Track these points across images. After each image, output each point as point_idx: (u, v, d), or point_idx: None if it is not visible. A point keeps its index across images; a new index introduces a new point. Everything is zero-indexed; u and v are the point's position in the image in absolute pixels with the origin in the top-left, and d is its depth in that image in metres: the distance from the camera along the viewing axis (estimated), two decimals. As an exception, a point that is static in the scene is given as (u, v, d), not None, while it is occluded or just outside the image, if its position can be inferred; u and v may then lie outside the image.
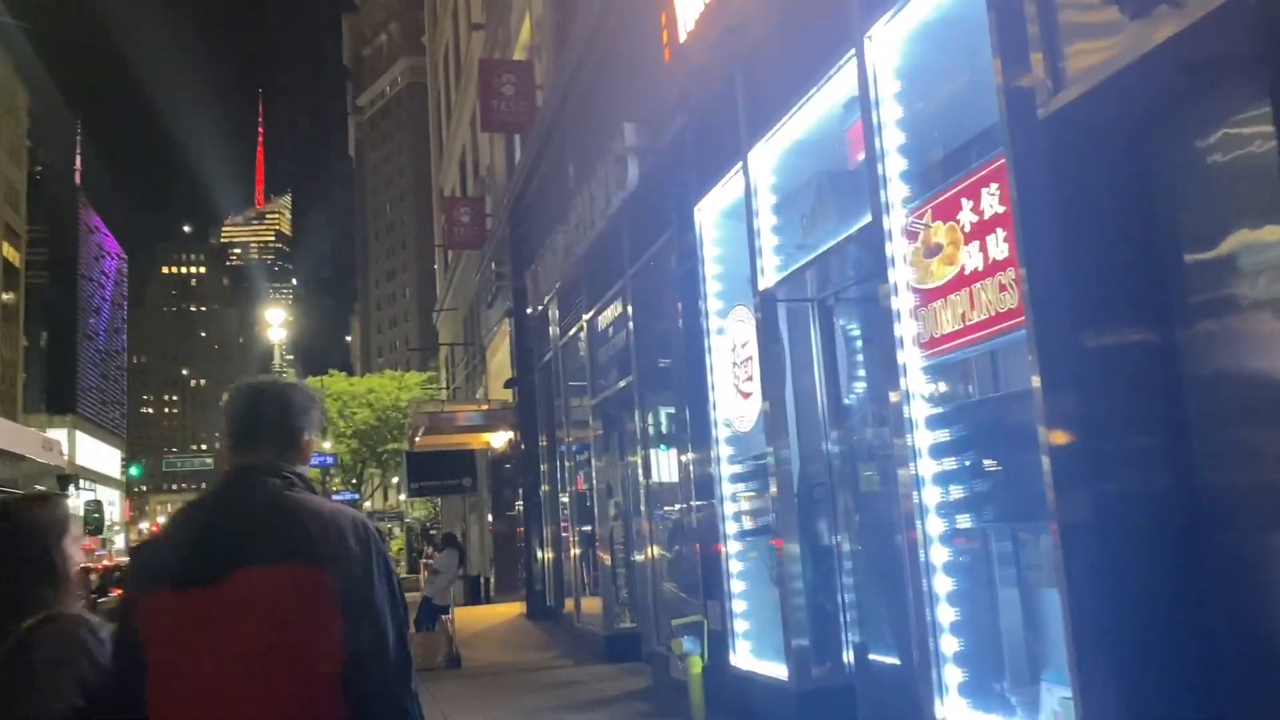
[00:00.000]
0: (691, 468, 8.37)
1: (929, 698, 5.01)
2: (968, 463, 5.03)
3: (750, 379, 7.31)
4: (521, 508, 16.10)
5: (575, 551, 13.38)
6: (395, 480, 58.82)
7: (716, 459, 7.84)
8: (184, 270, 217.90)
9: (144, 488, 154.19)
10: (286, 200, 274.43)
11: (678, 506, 9.39)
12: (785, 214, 7.07)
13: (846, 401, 6.89)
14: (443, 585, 13.56)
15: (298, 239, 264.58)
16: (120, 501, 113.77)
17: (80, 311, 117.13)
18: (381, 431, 51.05)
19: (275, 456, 2.19)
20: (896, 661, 6.58)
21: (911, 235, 5.19)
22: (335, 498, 48.68)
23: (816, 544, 6.89)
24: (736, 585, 7.66)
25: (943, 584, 5.06)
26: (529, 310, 14.74)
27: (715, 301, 7.98)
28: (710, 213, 8.06)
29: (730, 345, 7.63)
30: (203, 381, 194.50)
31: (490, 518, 21.34)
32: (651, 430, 10.02)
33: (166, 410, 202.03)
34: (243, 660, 1.96)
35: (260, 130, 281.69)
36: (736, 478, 7.77)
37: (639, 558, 11.03)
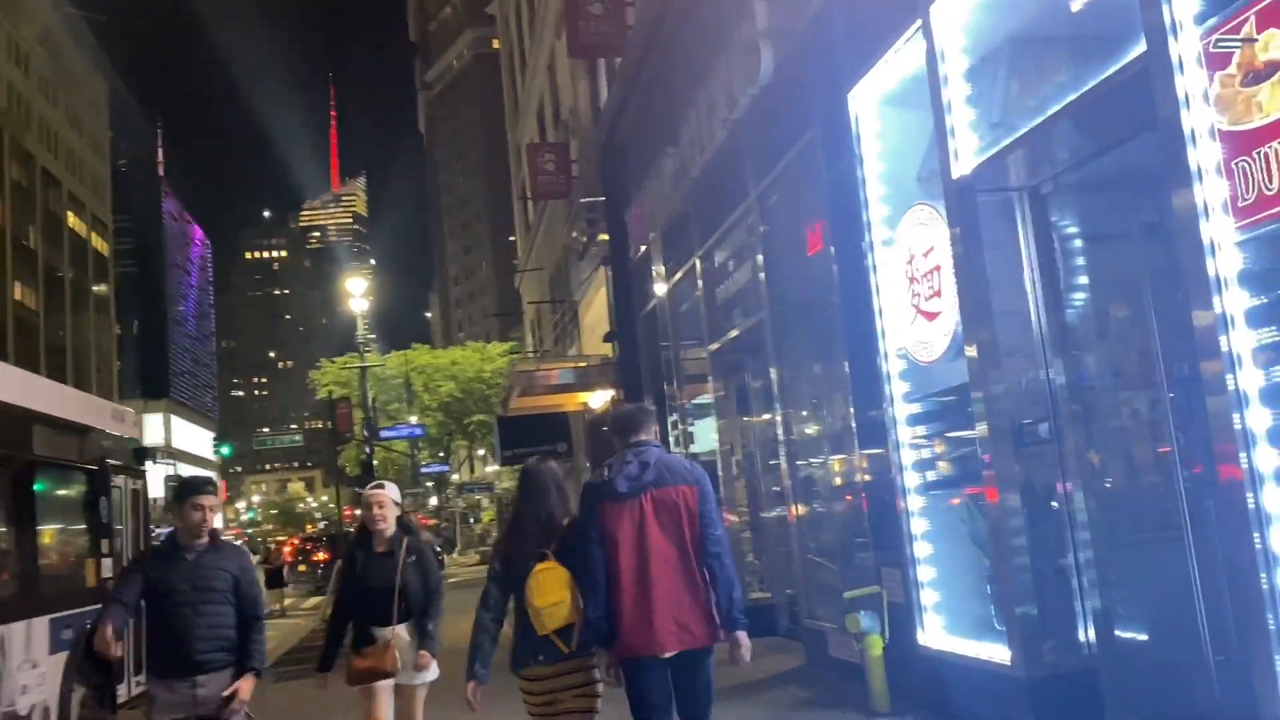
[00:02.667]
0: (853, 411, 7.01)
1: (1271, 691, 3.61)
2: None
3: (937, 295, 5.91)
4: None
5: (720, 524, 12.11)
6: (481, 452, 58.37)
7: (889, 398, 6.46)
8: (266, 255, 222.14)
9: (238, 468, 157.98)
10: (361, 182, 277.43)
11: (834, 458, 8.04)
12: (978, 86, 5.62)
13: (1071, 319, 5.45)
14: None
15: (374, 219, 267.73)
16: (216, 482, 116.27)
17: (169, 298, 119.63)
18: (466, 403, 50.63)
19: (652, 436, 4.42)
20: (1146, 637, 5.21)
21: (1218, 60, 3.74)
22: (424, 469, 48.45)
23: (1039, 494, 5.48)
24: (922, 548, 6.31)
25: (1282, 538, 3.64)
26: (629, 254, 13.42)
27: (880, 207, 6.57)
28: (867, 101, 6.64)
29: (905, 256, 6.22)
30: (290, 363, 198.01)
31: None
32: (789, 372, 8.65)
33: (256, 392, 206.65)
34: (661, 540, 4.12)
35: (332, 113, 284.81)
36: (917, 418, 6.39)
37: (775, 519, 9.72)
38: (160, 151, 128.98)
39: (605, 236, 14.51)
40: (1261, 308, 3.71)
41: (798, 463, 8.60)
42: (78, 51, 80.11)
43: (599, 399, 15.80)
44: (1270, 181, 3.52)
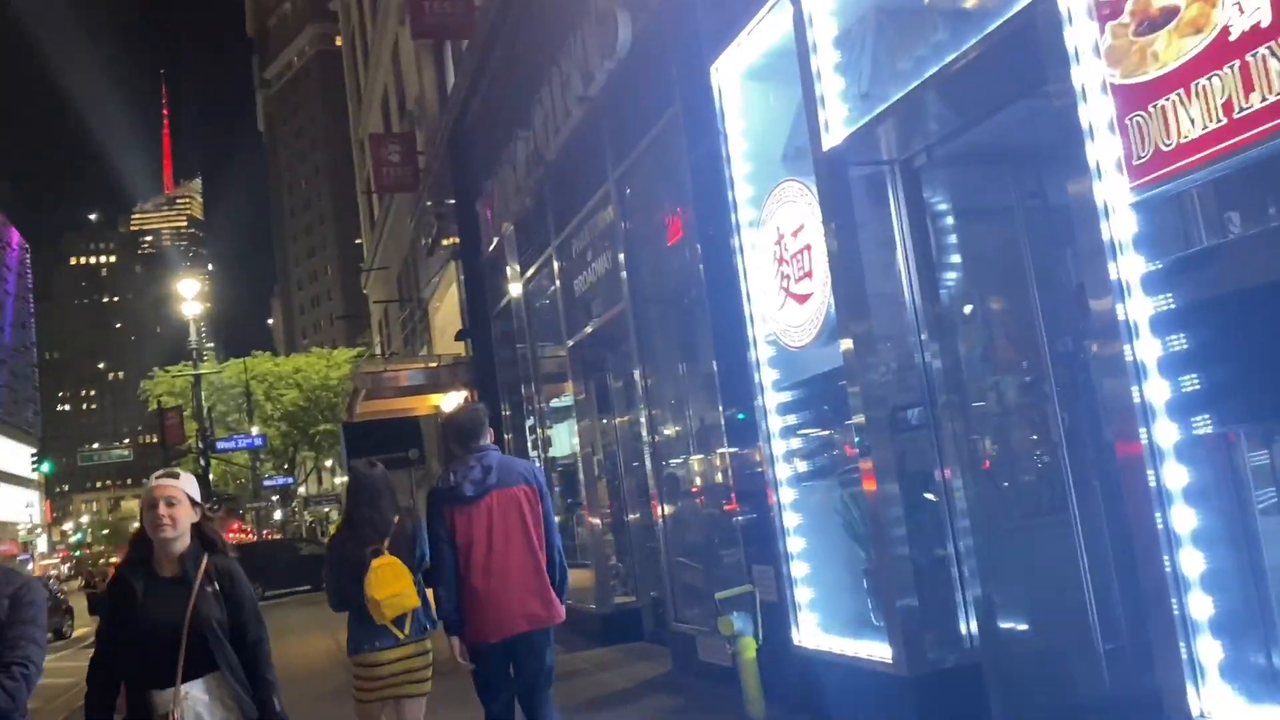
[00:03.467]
0: (721, 402, 6.66)
1: (1178, 685, 3.39)
2: (1206, 340, 3.41)
3: (807, 276, 5.60)
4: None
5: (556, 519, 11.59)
6: (329, 463, 56.22)
7: (759, 387, 6.13)
8: (94, 260, 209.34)
9: (65, 487, 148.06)
10: (197, 183, 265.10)
11: (701, 454, 7.68)
12: (847, 54, 5.34)
13: (945, 299, 5.22)
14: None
15: (211, 222, 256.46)
16: (40, 502, 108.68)
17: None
18: (312, 413, 48.73)
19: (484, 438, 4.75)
20: (1026, 628, 5.03)
21: (1109, 9, 3.50)
22: (267, 482, 46.33)
23: (917, 482, 5.23)
24: (795, 543, 5.99)
25: (1184, 518, 3.43)
26: (481, 248, 12.80)
27: (745, 186, 6.23)
28: (730, 75, 6.30)
29: (773, 236, 5.90)
30: (121, 374, 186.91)
31: (442, 491, 19.41)
32: (653, 365, 8.27)
33: (85, 406, 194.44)
34: (504, 536, 4.52)
35: (164, 111, 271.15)
36: (788, 407, 6.08)
37: (640, 521, 9.33)
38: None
39: (453, 240, 13.85)
40: (1158, 273, 3.48)
41: (663, 460, 8.22)
42: None
43: (452, 401, 15.11)
44: (1168, 136, 3.30)
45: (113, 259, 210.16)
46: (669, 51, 6.76)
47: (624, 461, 9.72)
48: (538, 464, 12.16)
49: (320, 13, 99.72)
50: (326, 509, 63.69)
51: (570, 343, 10.09)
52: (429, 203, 14.91)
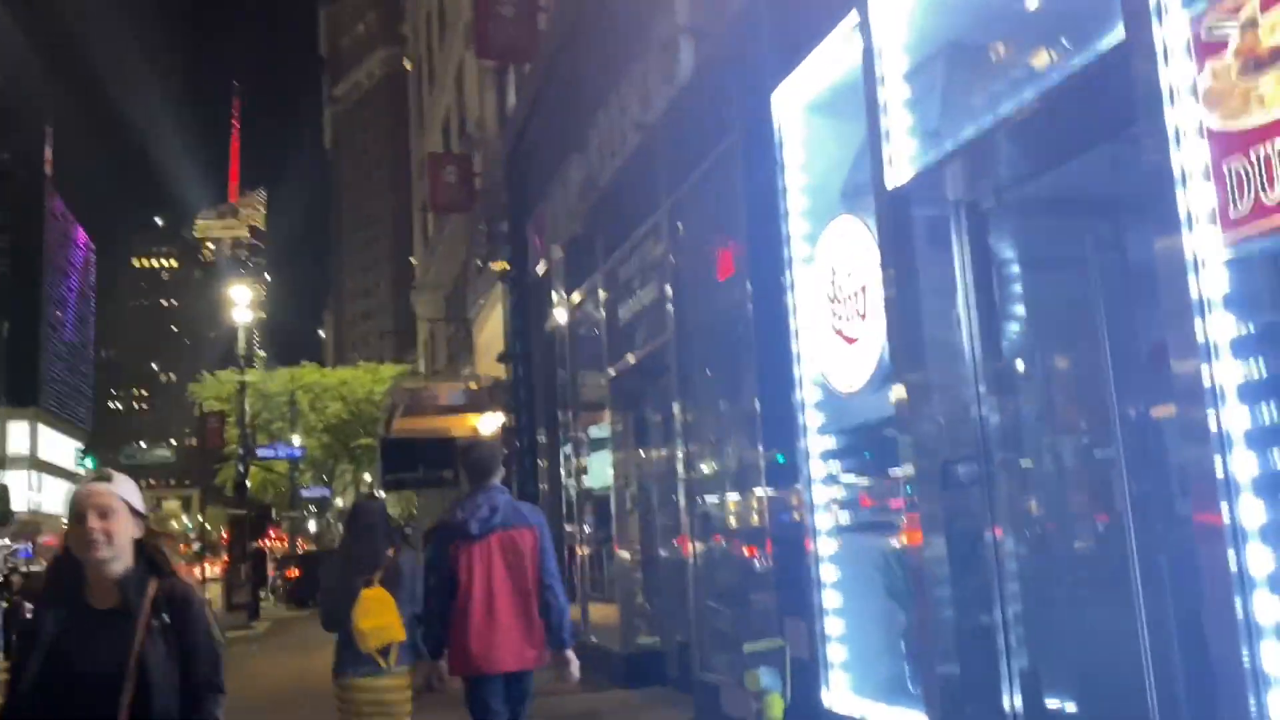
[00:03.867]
0: (762, 443, 6.39)
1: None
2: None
3: (861, 317, 5.34)
4: (515, 501, 14.03)
5: (583, 551, 11.34)
6: (367, 477, 56.46)
7: (802, 429, 5.86)
8: (156, 264, 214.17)
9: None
10: (261, 195, 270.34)
11: (738, 495, 7.40)
12: (917, 89, 5.11)
13: (1008, 351, 4.93)
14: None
15: (272, 233, 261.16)
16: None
17: (45, 302, 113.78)
18: (354, 426, 48.96)
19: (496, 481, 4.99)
20: (1075, 708, 4.67)
21: (1209, 48, 3.24)
22: (304, 493, 46.56)
23: (966, 543, 4.91)
24: (831, 599, 5.69)
25: (1268, 607, 3.10)
26: (530, 271, 12.67)
27: (801, 221, 6.00)
28: (792, 105, 6.09)
29: (827, 274, 5.65)
30: (173, 376, 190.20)
31: (475, 514, 19.21)
32: (693, 400, 8.02)
33: (136, 405, 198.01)
34: (504, 576, 4.74)
35: (235, 122, 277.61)
36: (832, 454, 5.80)
37: (671, 560, 9.04)
38: (48, 149, 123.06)
39: (503, 265, 13.73)
40: (1249, 337, 3.19)
41: (698, 498, 7.94)
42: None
43: (490, 423, 14.96)
44: (1270, 188, 3.01)
45: (174, 263, 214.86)
46: (730, 80, 6.58)
47: (658, 497, 9.45)
48: (572, 493, 11.94)
49: (391, 36, 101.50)
50: (362, 523, 63.71)
51: (612, 372, 9.88)
52: (482, 224, 14.84)
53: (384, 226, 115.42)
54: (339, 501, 58.44)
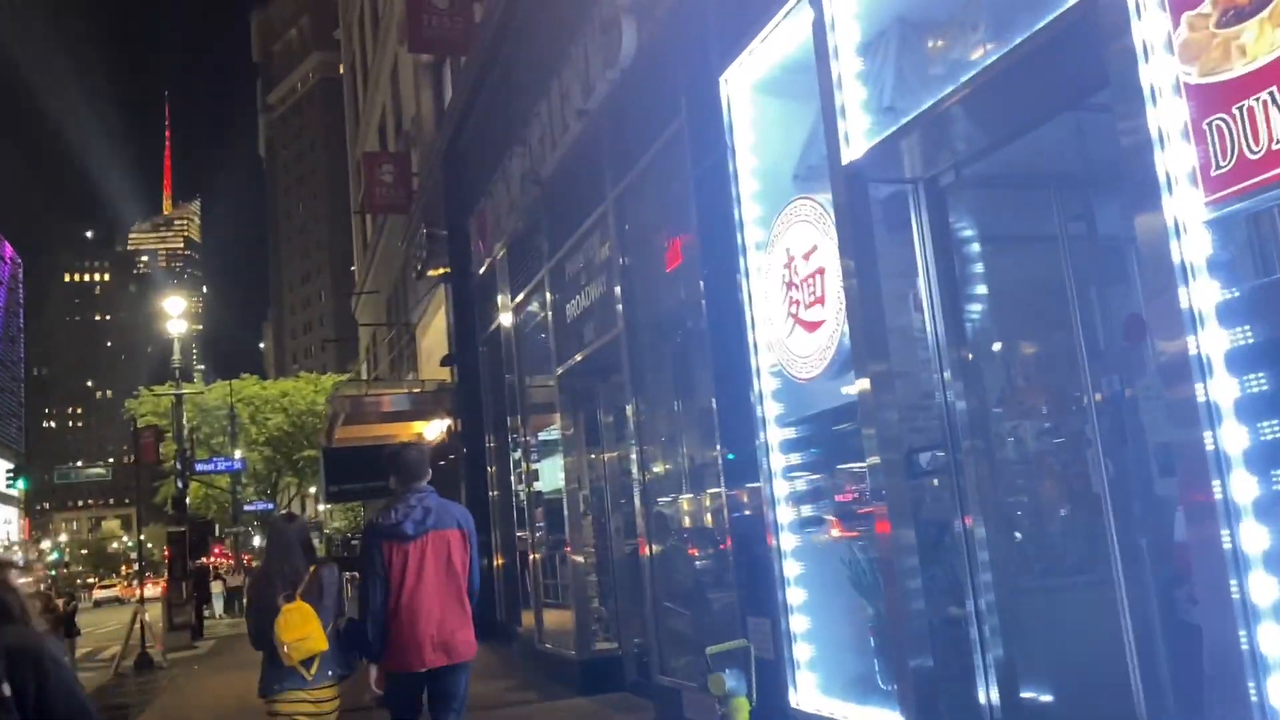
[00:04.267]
0: (719, 437, 6.16)
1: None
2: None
3: (819, 302, 5.13)
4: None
5: (536, 556, 11.04)
6: (313, 490, 55.41)
7: (761, 421, 5.64)
8: (87, 278, 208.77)
9: (46, 505, 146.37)
10: (195, 206, 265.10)
11: (694, 492, 7.17)
12: (870, 62, 4.91)
13: (972, 332, 4.76)
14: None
15: (208, 244, 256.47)
16: (18, 519, 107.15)
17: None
18: (297, 438, 48.08)
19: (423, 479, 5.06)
20: (1052, 698, 4.51)
21: (1184, 0, 3.07)
22: (248, 508, 45.54)
23: (935, 532, 4.73)
24: (795, 595, 5.48)
25: (1263, 587, 2.94)
26: (472, 271, 12.34)
27: (753, 205, 5.79)
28: (740, 86, 5.88)
29: (782, 259, 5.44)
30: (109, 392, 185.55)
31: (423, 522, 18.74)
32: (646, 395, 7.78)
33: (71, 423, 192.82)
34: (435, 574, 4.86)
35: (167, 131, 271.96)
36: (793, 444, 5.59)
37: (626, 562, 8.79)
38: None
39: (443, 270, 13.35)
40: (1235, 301, 3.02)
41: (653, 498, 7.70)
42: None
43: (435, 429, 14.58)
44: (1255, 143, 2.84)
45: (107, 277, 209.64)
46: (675, 61, 6.35)
47: (611, 498, 9.20)
48: (523, 498, 11.65)
49: (325, 40, 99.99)
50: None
51: (559, 371, 9.60)
52: (421, 224, 14.46)
53: (322, 235, 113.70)
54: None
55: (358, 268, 29.09)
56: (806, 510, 5.57)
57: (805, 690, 5.41)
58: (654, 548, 7.59)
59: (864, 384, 4.71)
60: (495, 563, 13.01)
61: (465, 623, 4.96)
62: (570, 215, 8.81)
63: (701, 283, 6.25)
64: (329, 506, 54.07)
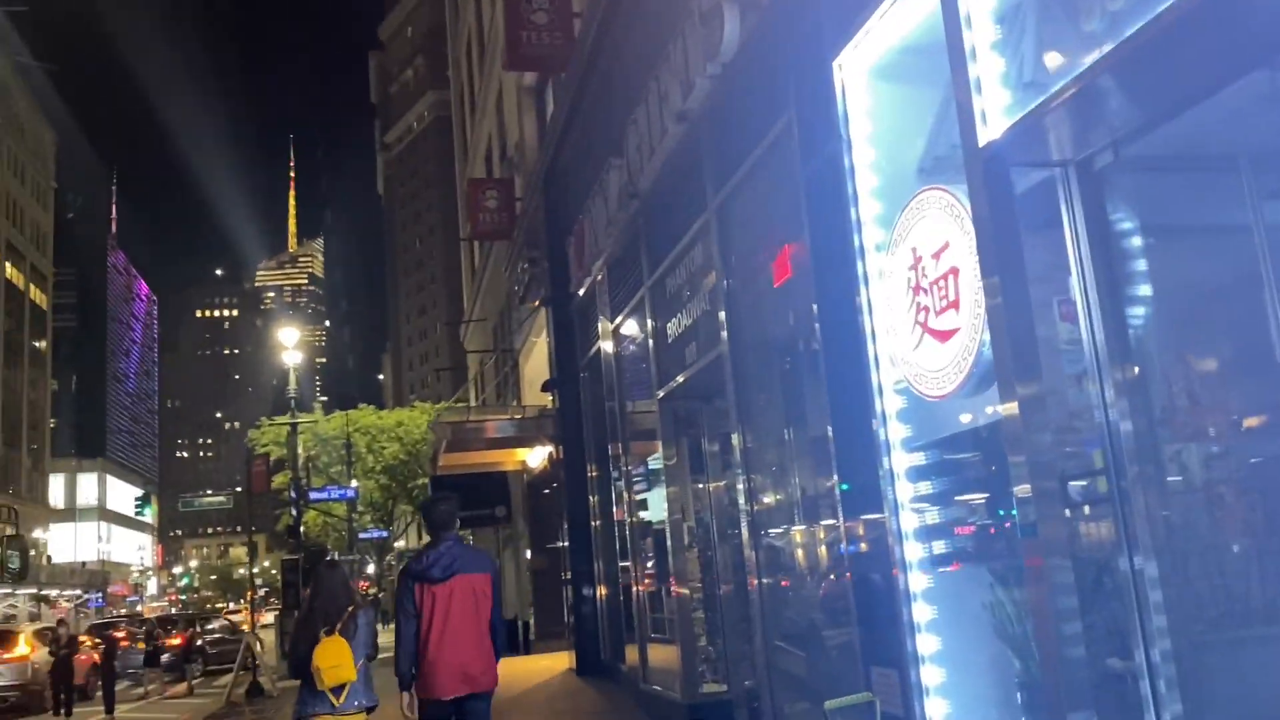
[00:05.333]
0: (835, 464, 5.53)
1: None
2: None
3: (952, 307, 4.48)
4: (567, 538, 13.26)
5: (640, 589, 10.50)
6: (427, 518, 56.00)
7: (885, 445, 5.00)
8: (217, 314, 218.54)
9: (179, 532, 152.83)
10: (319, 243, 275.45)
11: (808, 524, 6.53)
12: (1009, 32, 4.27)
13: (1137, 341, 4.04)
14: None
15: (330, 280, 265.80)
16: (151, 546, 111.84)
17: (109, 354, 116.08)
18: (412, 466, 48.67)
19: (455, 532, 5.85)
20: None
21: None
22: (363, 536, 46.26)
23: (1097, 572, 4.02)
24: (926, 644, 4.79)
25: None
26: (572, 292, 11.95)
27: (872, 202, 5.18)
28: (855, 72, 5.29)
29: (907, 260, 4.81)
30: (236, 424, 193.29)
31: (528, 553, 18.46)
32: (753, 419, 7.18)
33: (201, 454, 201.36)
34: (461, 613, 5.53)
35: (291, 173, 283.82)
36: (922, 472, 4.92)
37: (731, 597, 8.18)
38: (114, 205, 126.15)
39: (539, 300, 12.97)
40: None
41: (763, 530, 7.08)
42: (24, 99, 78.23)
43: (537, 456, 14.21)
44: None
45: (235, 313, 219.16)
46: (782, 49, 5.79)
47: (718, 529, 8.61)
48: (626, 529, 11.14)
49: (439, 80, 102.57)
50: (421, 565, 63.24)
51: (660, 394, 9.08)
52: (523, 249, 14.19)
53: (437, 268, 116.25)
54: (399, 544, 58.15)
55: (466, 296, 29.22)
56: (939, 546, 4.88)
57: (940, 753, 4.71)
58: (764, 583, 6.97)
59: (1009, 400, 4.04)
60: (598, 594, 12.51)
61: (487, 656, 5.68)
62: (670, 229, 8.31)
63: (814, 292, 5.64)
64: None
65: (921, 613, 4.83)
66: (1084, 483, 4.04)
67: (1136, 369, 4.01)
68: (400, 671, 5.58)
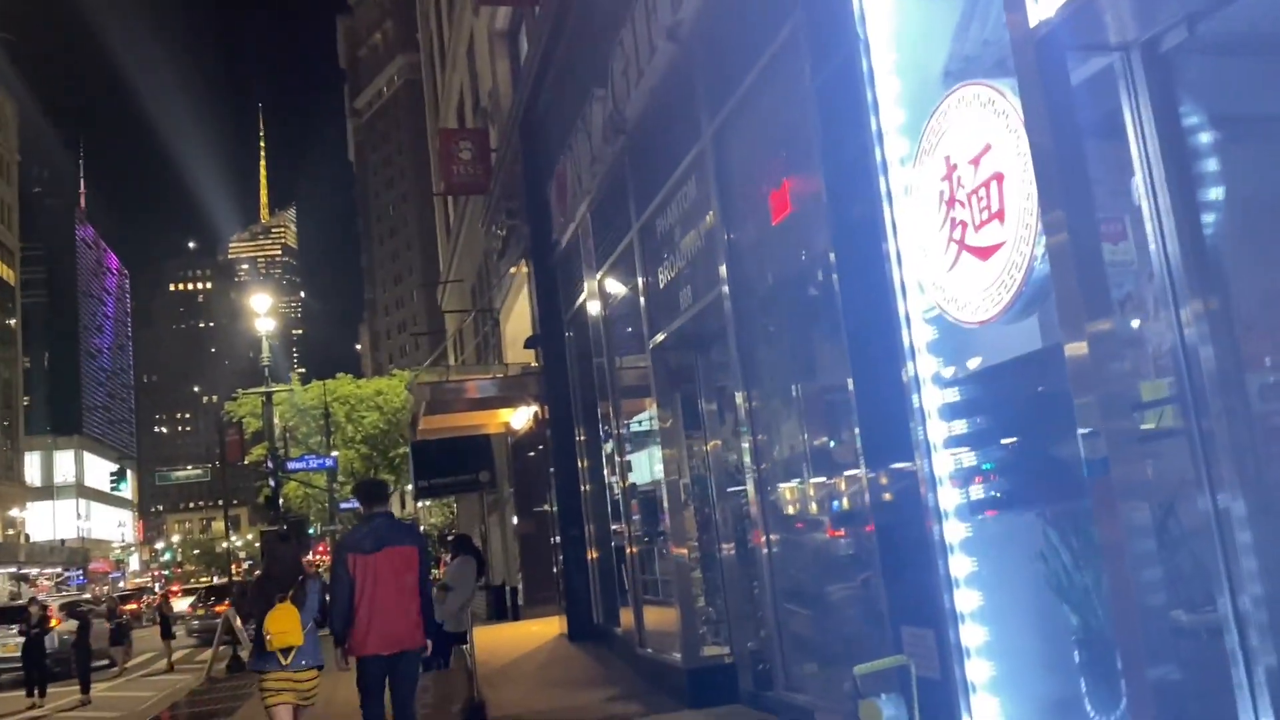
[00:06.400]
0: (855, 406, 5.01)
1: None
2: None
3: (995, 218, 3.94)
4: (555, 500, 12.74)
5: (634, 550, 10.01)
6: (409, 487, 55.63)
7: (913, 382, 4.47)
8: (191, 287, 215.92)
9: (160, 507, 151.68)
10: (291, 213, 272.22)
11: (817, 479, 6.01)
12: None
13: (1214, 250, 3.52)
14: (455, 606, 10.19)
15: (304, 250, 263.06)
16: (132, 522, 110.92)
17: (82, 329, 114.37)
18: (392, 436, 48.14)
19: (386, 507, 6.80)
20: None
21: None
22: (344, 506, 45.70)
23: (1173, 512, 3.52)
24: (966, 599, 4.30)
25: None
26: (554, 241, 11.35)
27: (895, 111, 4.62)
28: (872, -36, 4.70)
29: (939, 171, 4.26)
30: (214, 397, 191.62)
31: (514, 518, 17.97)
32: (759, 362, 6.65)
33: (179, 429, 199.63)
34: (390, 580, 6.26)
35: (261, 142, 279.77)
36: (958, 409, 4.40)
37: (734, 558, 7.70)
38: (81, 179, 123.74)
39: (522, 247, 12.35)
40: None
41: (771, 482, 6.57)
42: (-18, 70, 76.17)
43: (522, 417, 13.66)
44: None
45: (209, 286, 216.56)
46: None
47: (716, 485, 8.11)
48: (617, 489, 10.66)
49: (408, 43, 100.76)
50: (405, 533, 62.82)
51: (653, 344, 8.53)
52: (500, 200, 13.54)
53: (412, 235, 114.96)
54: (382, 513, 57.48)
55: (442, 259, 28.51)
56: (978, 492, 4.38)
57: (985, 718, 4.23)
58: (772, 539, 6.47)
59: (1068, 324, 3.51)
60: (589, 557, 12.03)
61: (414, 619, 6.35)
62: (660, 164, 7.72)
63: (827, 216, 5.09)
64: (425, 504, 54.20)
65: (960, 566, 4.33)
66: (1158, 413, 3.54)
67: (1214, 285, 3.49)
68: (334, 630, 6.35)
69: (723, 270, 6.73)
